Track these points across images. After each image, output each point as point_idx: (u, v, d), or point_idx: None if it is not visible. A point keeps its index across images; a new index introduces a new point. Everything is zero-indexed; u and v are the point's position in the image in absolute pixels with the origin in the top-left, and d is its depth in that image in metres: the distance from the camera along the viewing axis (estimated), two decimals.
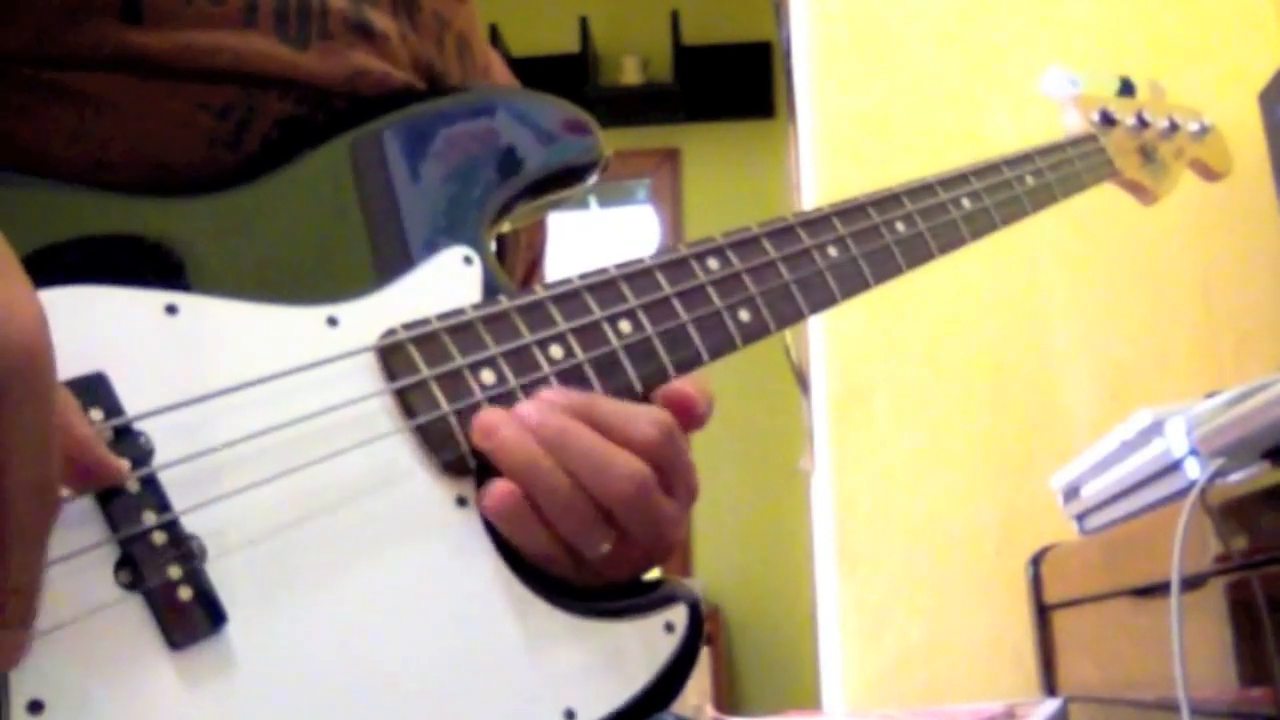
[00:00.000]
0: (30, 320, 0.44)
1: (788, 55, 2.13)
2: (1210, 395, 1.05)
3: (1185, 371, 1.67)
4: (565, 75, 3.99)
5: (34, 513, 0.44)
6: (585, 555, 0.58)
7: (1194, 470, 1.00)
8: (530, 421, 0.57)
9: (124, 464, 0.50)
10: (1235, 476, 0.89)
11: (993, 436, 1.70)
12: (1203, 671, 0.90)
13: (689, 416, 0.62)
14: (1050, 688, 1.46)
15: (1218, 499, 0.90)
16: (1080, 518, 1.39)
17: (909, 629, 1.66)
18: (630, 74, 4.15)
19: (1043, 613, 1.49)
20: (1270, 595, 0.83)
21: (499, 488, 0.57)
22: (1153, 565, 1.00)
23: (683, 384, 0.63)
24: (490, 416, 0.58)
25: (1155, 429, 1.06)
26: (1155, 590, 1.04)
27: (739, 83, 4.10)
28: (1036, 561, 1.51)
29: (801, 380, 2.37)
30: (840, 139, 1.80)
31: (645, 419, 0.59)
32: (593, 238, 4.10)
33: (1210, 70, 1.73)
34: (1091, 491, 1.32)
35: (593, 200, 4.25)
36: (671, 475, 0.59)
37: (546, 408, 0.58)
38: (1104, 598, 1.26)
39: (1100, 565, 1.30)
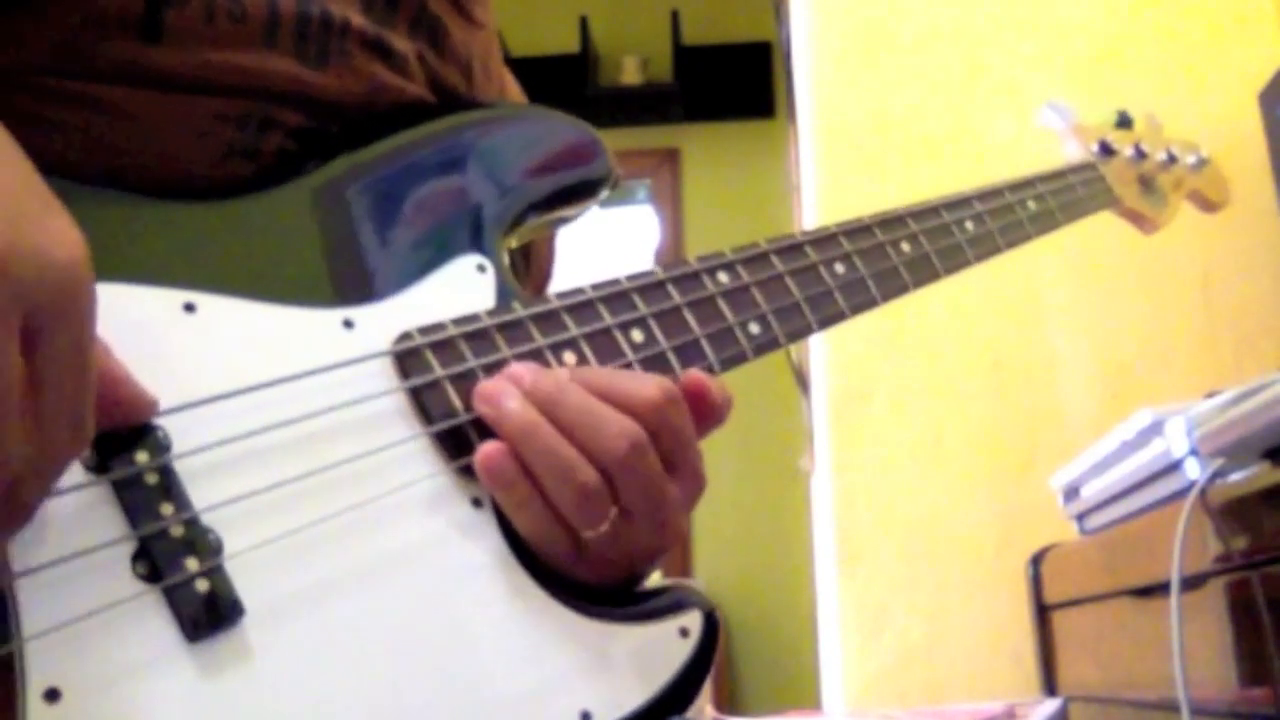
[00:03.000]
0: (73, 249, 0.44)
1: (788, 55, 2.13)
2: (1210, 395, 1.05)
3: (1185, 371, 1.67)
4: (565, 75, 3.99)
5: (64, 441, 0.44)
6: (584, 533, 0.58)
7: (1194, 470, 1.00)
8: (525, 381, 0.58)
9: (156, 398, 0.51)
10: (1235, 476, 0.89)
11: (993, 436, 1.70)
12: (1203, 671, 0.90)
13: (702, 403, 0.62)
14: (1050, 688, 1.46)
15: (1218, 499, 0.90)
16: (1080, 518, 1.39)
17: (909, 629, 1.66)
18: (630, 74, 4.14)
19: (1043, 613, 1.49)
20: (1270, 595, 0.83)
21: (489, 445, 0.57)
22: (1153, 565, 1.00)
23: (699, 374, 0.63)
24: (492, 385, 0.58)
25: (1155, 429, 1.06)
26: (1155, 590, 1.04)
27: (739, 83, 4.10)
28: (1036, 561, 1.51)
29: (801, 380, 2.37)
30: (840, 139, 1.80)
31: (646, 381, 0.60)
32: (593, 238, 4.10)
33: (1210, 70, 1.73)
34: (1091, 491, 1.32)
35: None
36: (673, 446, 0.59)
37: (543, 369, 0.59)
38: (1104, 598, 1.26)
39: (1100, 565, 1.30)
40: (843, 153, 1.79)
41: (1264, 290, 1.68)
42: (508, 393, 0.58)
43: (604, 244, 4.08)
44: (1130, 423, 1.12)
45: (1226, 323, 1.69)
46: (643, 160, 4.19)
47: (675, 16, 4.10)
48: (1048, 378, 1.71)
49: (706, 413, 0.62)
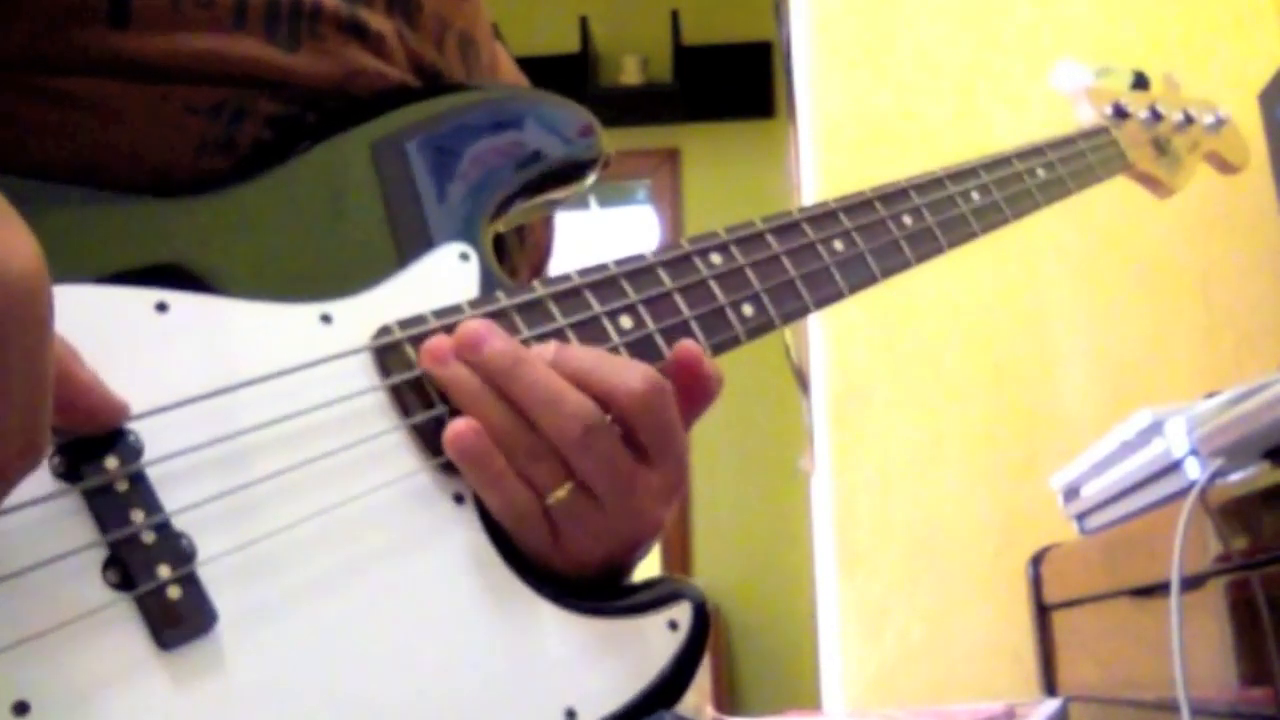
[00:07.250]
0: (27, 262, 0.43)
1: (788, 55, 2.13)
2: (1210, 395, 1.05)
3: (1185, 371, 1.67)
4: (565, 75, 3.99)
5: (14, 455, 0.43)
6: (545, 501, 0.57)
7: (1194, 470, 1.00)
8: (481, 349, 0.57)
9: (126, 403, 0.50)
10: (1235, 476, 0.89)
11: (993, 436, 1.70)
12: (1203, 671, 0.90)
13: (693, 377, 0.61)
14: (1050, 688, 1.46)
15: (1218, 499, 0.90)
16: (1080, 518, 1.39)
17: (909, 629, 1.66)
18: (630, 74, 4.14)
19: (1043, 613, 1.49)
20: (1270, 595, 0.83)
21: (459, 422, 0.56)
22: (1153, 565, 1.00)
23: (691, 345, 0.61)
24: (440, 343, 0.57)
25: (1155, 429, 1.06)
26: (1155, 590, 1.04)
27: (739, 83, 4.10)
28: (1036, 561, 1.51)
29: (801, 380, 2.37)
30: (840, 139, 1.80)
31: (632, 370, 0.58)
32: (593, 238, 4.10)
33: (1210, 70, 1.73)
34: (1091, 491, 1.32)
35: (593, 200, 4.25)
36: (654, 435, 0.58)
37: (507, 338, 0.58)
38: (1104, 598, 1.26)
39: (1100, 565, 1.30)
40: (843, 153, 1.79)
41: (1264, 290, 1.68)
42: (452, 355, 0.57)
43: (604, 244, 4.07)
44: (1130, 423, 1.12)
45: (1226, 323, 1.69)
46: (643, 160, 4.19)
47: (675, 16, 4.10)
48: (1048, 378, 1.71)
49: (698, 388, 0.61)
